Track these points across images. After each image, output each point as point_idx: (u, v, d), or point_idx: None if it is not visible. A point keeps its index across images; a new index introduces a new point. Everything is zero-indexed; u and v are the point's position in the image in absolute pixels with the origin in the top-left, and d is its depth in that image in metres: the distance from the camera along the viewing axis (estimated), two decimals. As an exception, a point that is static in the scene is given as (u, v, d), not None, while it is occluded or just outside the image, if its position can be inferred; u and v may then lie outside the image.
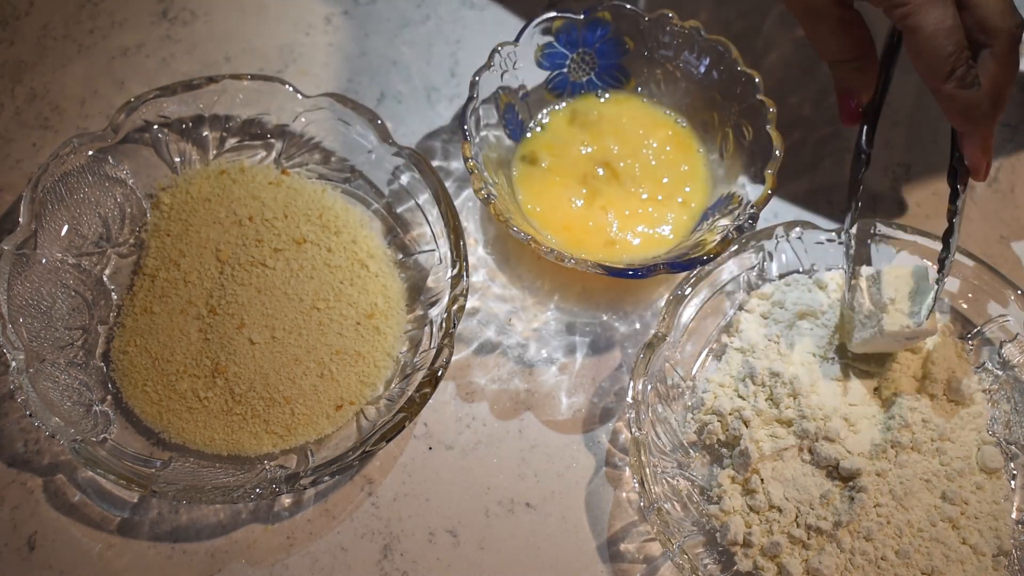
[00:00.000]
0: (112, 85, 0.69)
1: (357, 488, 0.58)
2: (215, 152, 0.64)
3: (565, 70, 0.67)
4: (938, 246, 0.61)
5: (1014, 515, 0.57)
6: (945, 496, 0.55)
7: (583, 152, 0.65)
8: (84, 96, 0.68)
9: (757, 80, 0.63)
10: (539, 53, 0.65)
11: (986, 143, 0.58)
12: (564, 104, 0.67)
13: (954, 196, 0.59)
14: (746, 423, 0.57)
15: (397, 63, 0.71)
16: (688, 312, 0.60)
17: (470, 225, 0.66)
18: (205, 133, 0.64)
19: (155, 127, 0.63)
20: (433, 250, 0.62)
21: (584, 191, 0.64)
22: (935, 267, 0.58)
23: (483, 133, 0.62)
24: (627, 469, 0.59)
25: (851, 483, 0.55)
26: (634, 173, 0.65)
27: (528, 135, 0.66)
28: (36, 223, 0.58)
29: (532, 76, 0.65)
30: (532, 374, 0.62)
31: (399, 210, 0.64)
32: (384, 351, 0.59)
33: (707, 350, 0.62)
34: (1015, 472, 0.58)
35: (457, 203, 0.66)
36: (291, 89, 0.63)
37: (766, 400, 0.58)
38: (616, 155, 0.65)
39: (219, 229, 0.61)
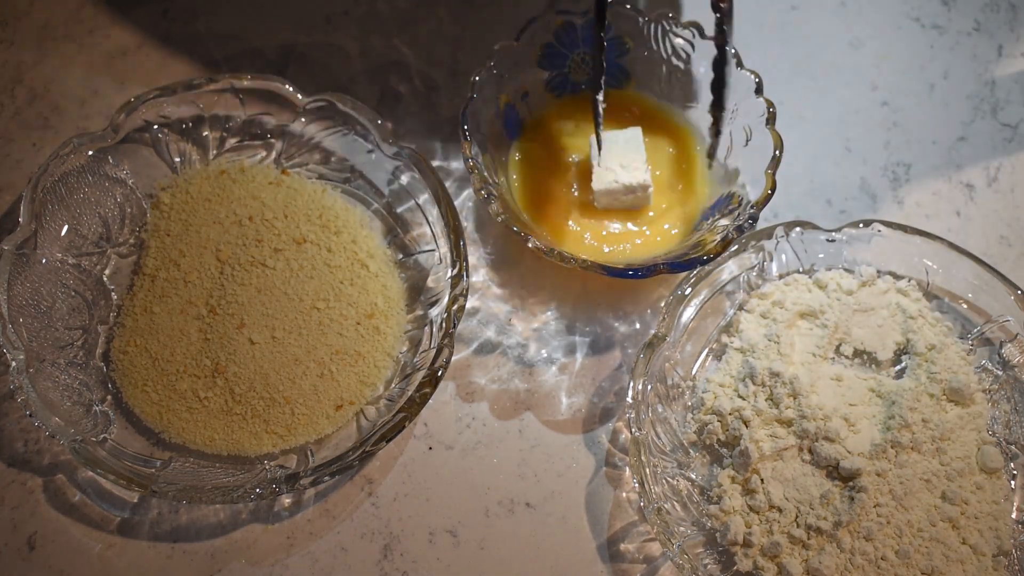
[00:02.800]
0: (112, 85, 0.69)
1: (357, 488, 0.58)
2: (215, 152, 0.64)
3: (565, 70, 0.67)
4: (938, 245, 0.61)
5: (1014, 515, 0.57)
6: (945, 496, 0.55)
7: (583, 152, 0.65)
8: (84, 96, 0.68)
9: (757, 80, 0.63)
10: (539, 53, 0.65)
11: None
12: (564, 104, 0.67)
13: (720, 28, 0.61)
14: (746, 423, 0.57)
15: (397, 63, 0.71)
16: (688, 312, 0.60)
17: (470, 225, 0.66)
18: (205, 133, 0.64)
19: (155, 127, 0.63)
20: (433, 250, 0.62)
21: (585, 191, 0.64)
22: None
23: (483, 133, 0.62)
24: (627, 469, 0.59)
25: (851, 483, 0.55)
26: (634, 173, 0.65)
27: (528, 135, 0.66)
28: (36, 223, 0.58)
29: (532, 76, 0.65)
30: (532, 374, 0.62)
31: (399, 210, 0.64)
32: (384, 351, 0.59)
33: (707, 350, 0.62)
34: (1015, 472, 0.58)
35: (457, 203, 0.66)
36: (291, 89, 0.63)
37: (766, 400, 0.58)
38: (616, 155, 0.65)
39: (219, 229, 0.61)
